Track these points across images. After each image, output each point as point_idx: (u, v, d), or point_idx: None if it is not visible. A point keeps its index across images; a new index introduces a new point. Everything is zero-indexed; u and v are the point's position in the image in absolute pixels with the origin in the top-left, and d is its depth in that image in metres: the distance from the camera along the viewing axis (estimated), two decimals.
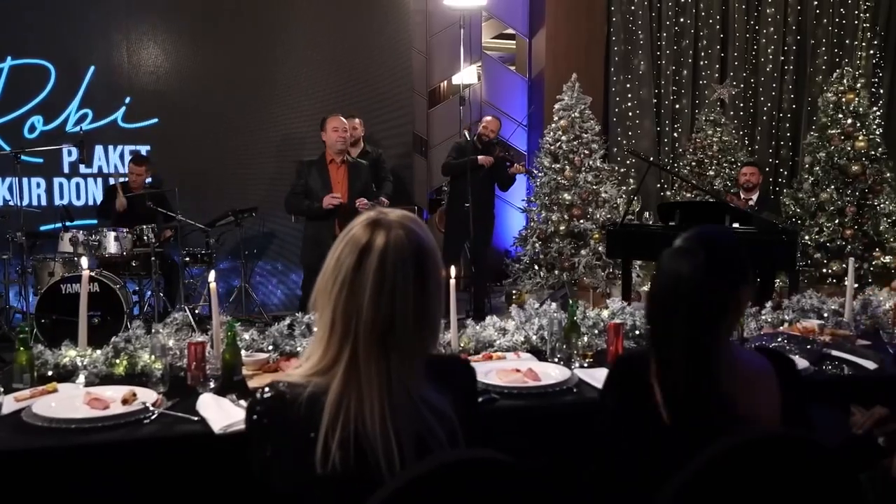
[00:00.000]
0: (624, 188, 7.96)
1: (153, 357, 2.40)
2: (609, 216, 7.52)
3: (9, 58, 6.92)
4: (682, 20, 8.96)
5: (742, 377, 1.73)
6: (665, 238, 6.88)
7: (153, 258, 5.98)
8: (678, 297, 1.70)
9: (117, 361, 2.51)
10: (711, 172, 7.97)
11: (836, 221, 7.68)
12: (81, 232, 5.90)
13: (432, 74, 8.82)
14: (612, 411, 1.82)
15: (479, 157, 6.82)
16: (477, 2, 7.90)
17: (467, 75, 8.78)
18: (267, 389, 1.48)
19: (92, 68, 7.10)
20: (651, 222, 7.35)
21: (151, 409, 2.15)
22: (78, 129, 6.68)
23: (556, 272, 7.56)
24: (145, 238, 6.05)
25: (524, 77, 9.05)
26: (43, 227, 6.73)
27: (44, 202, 6.98)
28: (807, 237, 7.71)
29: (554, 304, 2.91)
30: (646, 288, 8.02)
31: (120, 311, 5.69)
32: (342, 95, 7.56)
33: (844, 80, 7.92)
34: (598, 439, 1.83)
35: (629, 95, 8.84)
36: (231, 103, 7.35)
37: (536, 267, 7.70)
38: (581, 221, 7.56)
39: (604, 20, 8.76)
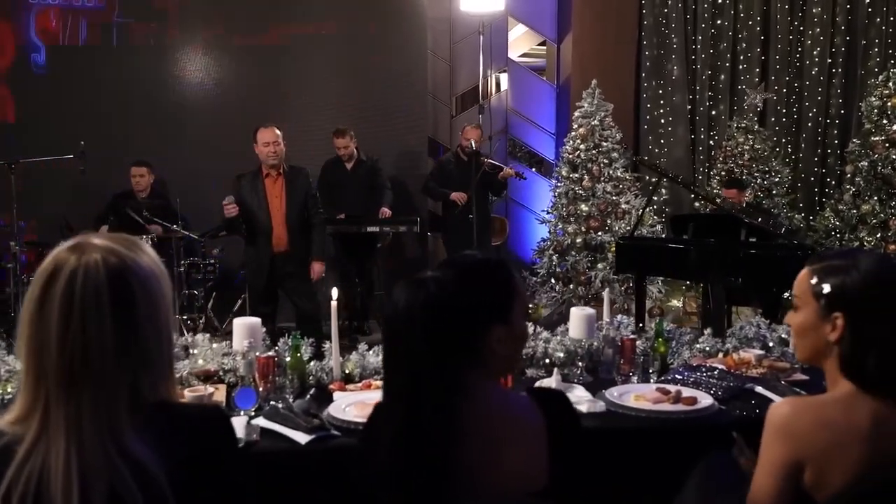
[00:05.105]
0: (655, 198, 7.58)
1: None
2: (629, 228, 7.17)
3: None
4: (719, 22, 8.51)
5: (503, 428, 1.47)
6: (674, 252, 6.39)
7: None
8: (407, 334, 1.45)
9: None
10: None
11: (879, 236, 7.12)
12: None
13: (457, 82, 8.63)
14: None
15: (453, 194, 6.95)
16: (495, 7, 7.68)
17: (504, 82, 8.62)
18: None
19: None
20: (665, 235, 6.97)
21: None
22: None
23: (573, 286, 7.26)
24: None
25: (552, 84, 8.77)
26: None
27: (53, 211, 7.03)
28: None
29: None
30: (671, 303, 7.61)
31: None
32: (352, 104, 7.42)
33: (890, 83, 7.35)
34: None
35: (661, 102, 8.44)
36: (238, 113, 7.20)
37: (553, 280, 7.41)
38: (599, 234, 7.24)
39: (635, 23, 8.39)
